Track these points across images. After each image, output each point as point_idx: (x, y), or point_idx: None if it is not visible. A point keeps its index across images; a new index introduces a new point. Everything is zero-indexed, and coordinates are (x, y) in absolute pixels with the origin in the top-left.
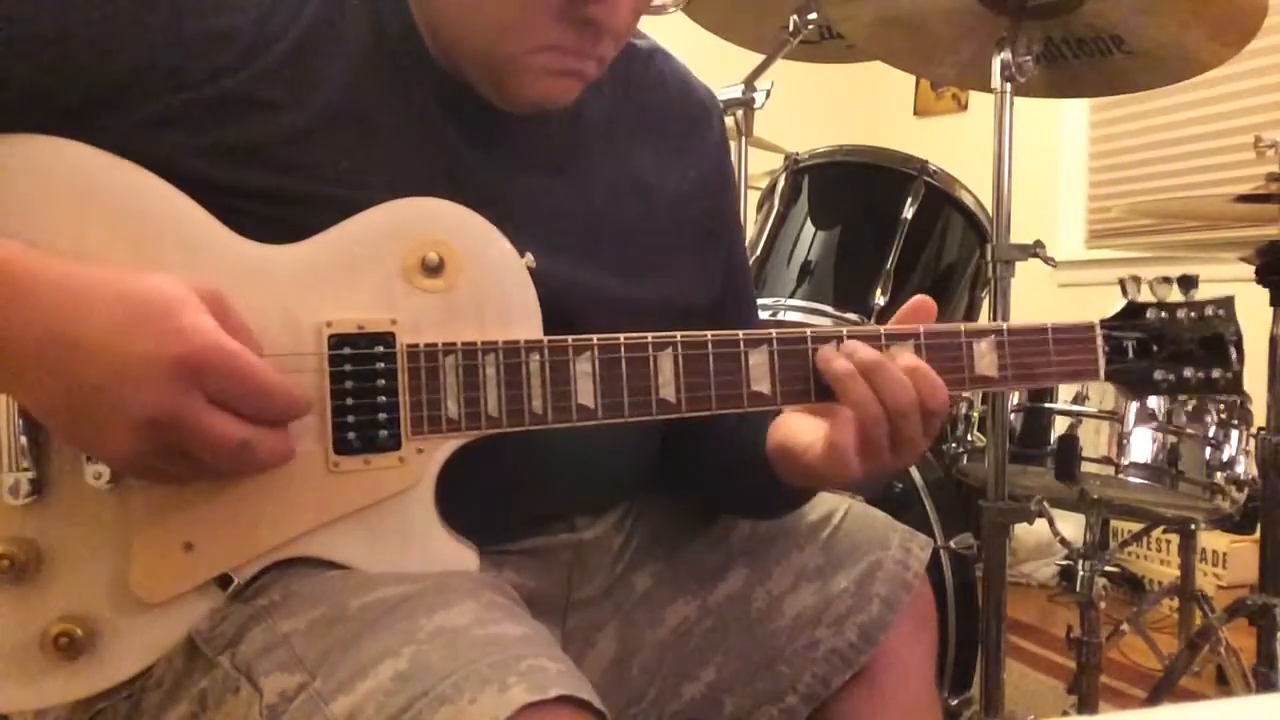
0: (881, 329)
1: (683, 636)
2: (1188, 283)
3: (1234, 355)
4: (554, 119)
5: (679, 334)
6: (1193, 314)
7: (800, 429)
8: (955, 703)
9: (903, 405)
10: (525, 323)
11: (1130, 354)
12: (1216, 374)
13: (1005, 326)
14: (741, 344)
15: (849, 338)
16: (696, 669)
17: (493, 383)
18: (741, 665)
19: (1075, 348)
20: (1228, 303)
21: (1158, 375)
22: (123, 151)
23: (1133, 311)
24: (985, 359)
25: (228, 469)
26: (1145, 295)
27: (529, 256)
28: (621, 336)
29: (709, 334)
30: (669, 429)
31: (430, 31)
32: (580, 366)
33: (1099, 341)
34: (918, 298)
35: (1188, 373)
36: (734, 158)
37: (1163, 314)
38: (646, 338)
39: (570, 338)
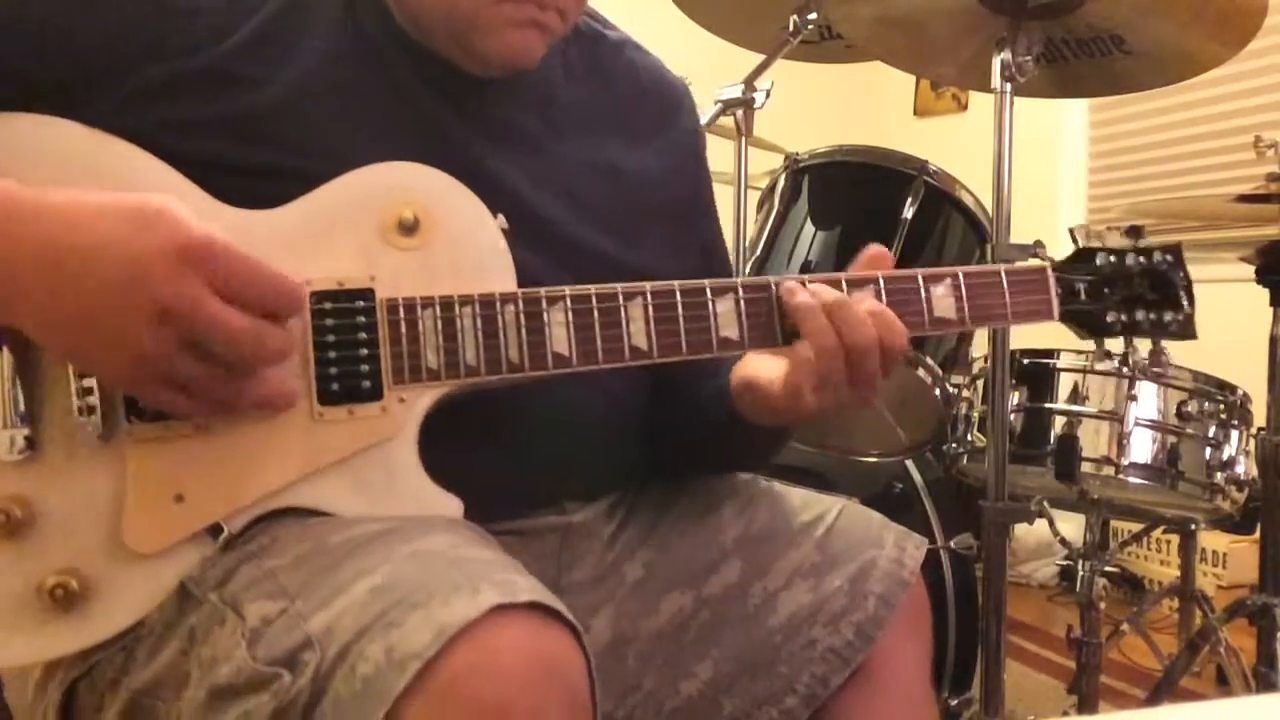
0: (842, 276)
1: (679, 628)
2: (1135, 232)
3: (1184, 299)
4: (530, 96)
5: (648, 285)
6: (1141, 259)
7: (763, 366)
8: (955, 703)
9: (862, 342)
10: (500, 277)
11: (1083, 296)
12: (1169, 317)
13: (960, 271)
14: (708, 291)
15: (811, 283)
16: (693, 664)
17: (470, 333)
18: (739, 665)
19: (1029, 289)
20: (1175, 250)
21: (1110, 317)
22: (107, 129)
23: (1083, 256)
24: (943, 302)
25: (244, 358)
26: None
27: (501, 218)
28: (593, 288)
29: (676, 284)
30: (655, 402)
31: (396, 3)
32: (554, 316)
33: (1051, 283)
34: (873, 247)
35: (1140, 315)
36: (734, 158)
37: (1111, 258)
38: (616, 288)
39: (544, 290)
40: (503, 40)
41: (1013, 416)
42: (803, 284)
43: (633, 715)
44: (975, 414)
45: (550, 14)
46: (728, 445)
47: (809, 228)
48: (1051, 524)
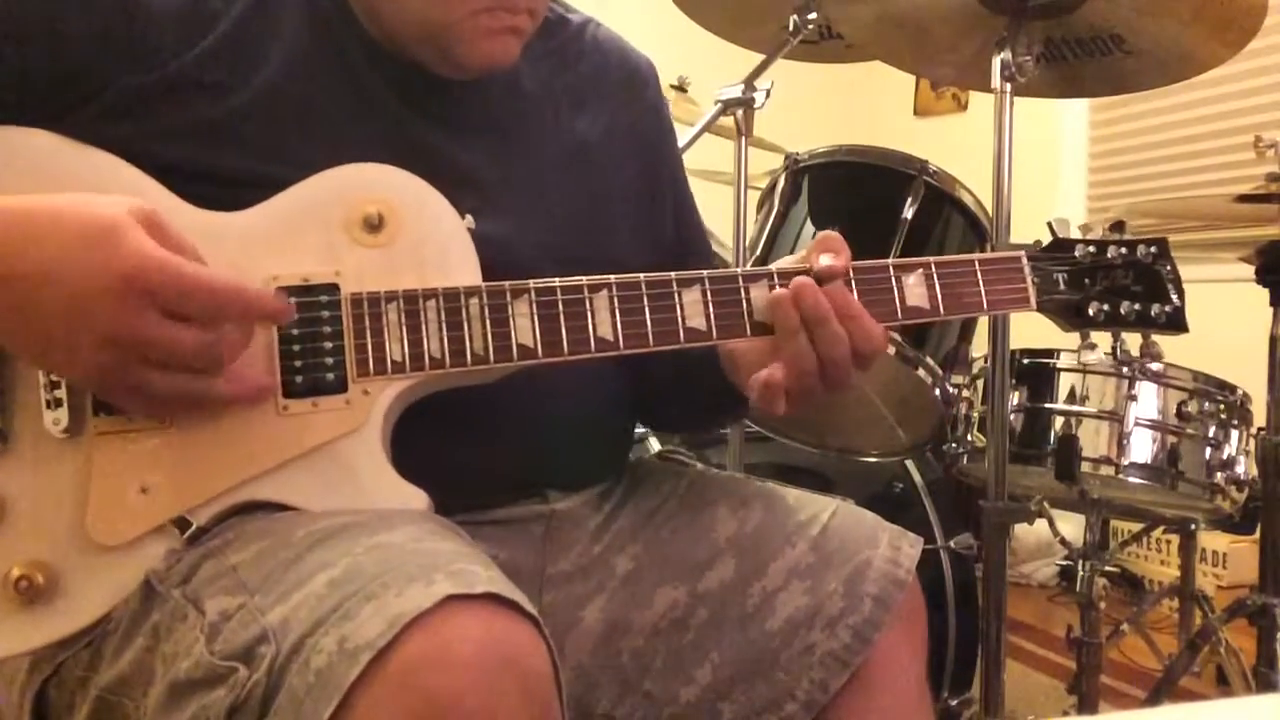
0: (811, 268)
1: (676, 625)
2: (1119, 227)
3: (1173, 291)
4: (494, 88)
5: (613, 277)
6: (1123, 250)
7: (750, 348)
8: (955, 703)
9: (836, 356)
10: (464, 273)
11: (1061, 286)
12: (1155, 310)
13: (933, 260)
14: (674, 283)
15: (779, 275)
16: (692, 668)
17: (434, 326)
18: (738, 669)
19: (1004, 277)
20: (1161, 242)
21: (1092, 309)
22: (83, 140)
23: (1060, 247)
24: (915, 291)
25: (198, 366)
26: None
27: (469, 218)
28: (557, 280)
29: (641, 276)
30: (641, 388)
31: (364, 11)
32: (519, 308)
33: (1026, 271)
34: (825, 234)
35: (1124, 308)
36: (734, 158)
37: (1091, 249)
38: (581, 281)
39: (508, 283)
40: (481, 50)
41: (1013, 416)
42: (772, 282)
43: (632, 716)
44: (975, 414)
45: (522, 16)
46: (703, 403)
47: (809, 228)
48: (1051, 524)
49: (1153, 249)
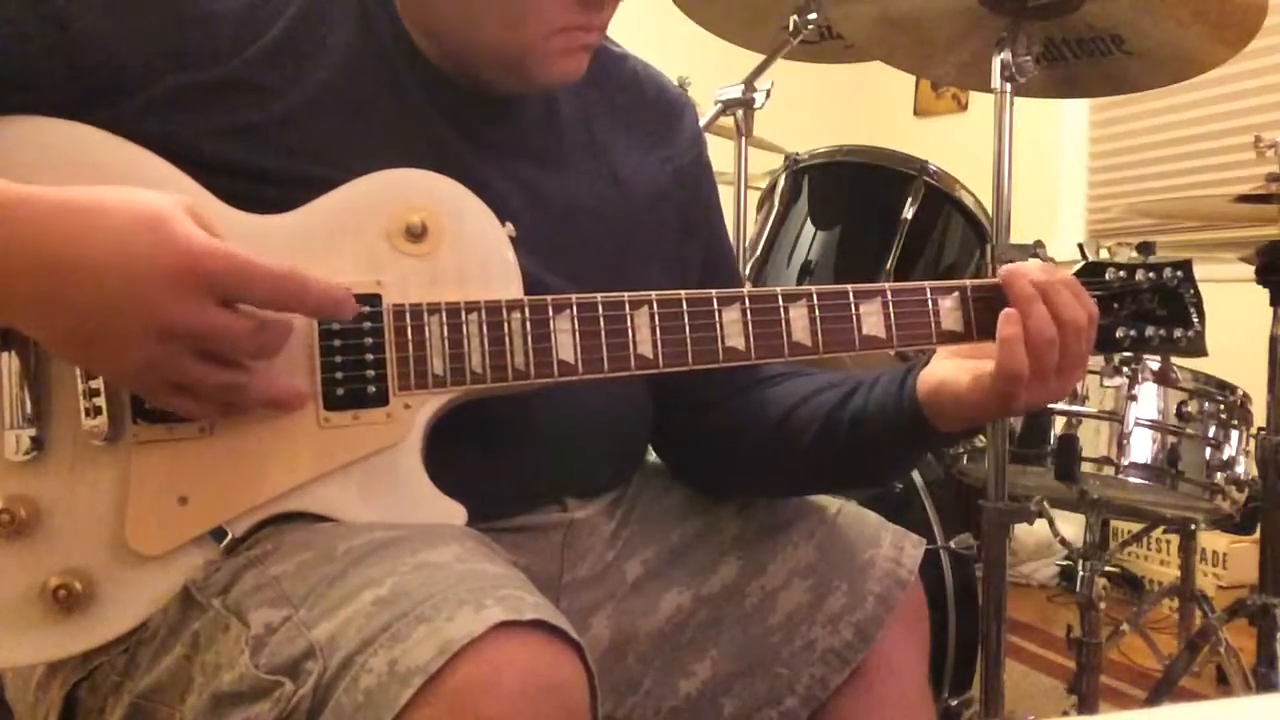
0: (850, 288)
1: (678, 627)
2: (1146, 249)
3: (1194, 315)
4: (533, 113)
5: (654, 293)
6: (1151, 274)
7: (946, 370)
8: (955, 703)
9: (1078, 319)
10: (506, 285)
11: None
12: (1178, 334)
13: (969, 283)
14: (715, 301)
15: (818, 296)
16: (692, 663)
17: (476, 340)
18: (737, 664)
19: None
20: (1186, 265)
21: (1120, 333)
22: (123, 134)
23: (1092, 271)
24: (950, 315)
25: (251, 354)
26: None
27: (509, 226)
28: (599, 296)
29: (683, 293)
30: (693, 426)
31: (423, 28)
32: (560, 324)
33: None
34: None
35: (1149, 331)
36: (734, 158)
37: (1121, 273)
38: (623, 296)
39: (550, 297)
40: (557, 68)
41: (1013, 416)
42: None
43: (631, 715)
44: None
45: (595, 34)
46: (871, 458)
47: (809, 228)
48: (1051, 524)
49: (1179, 272)
